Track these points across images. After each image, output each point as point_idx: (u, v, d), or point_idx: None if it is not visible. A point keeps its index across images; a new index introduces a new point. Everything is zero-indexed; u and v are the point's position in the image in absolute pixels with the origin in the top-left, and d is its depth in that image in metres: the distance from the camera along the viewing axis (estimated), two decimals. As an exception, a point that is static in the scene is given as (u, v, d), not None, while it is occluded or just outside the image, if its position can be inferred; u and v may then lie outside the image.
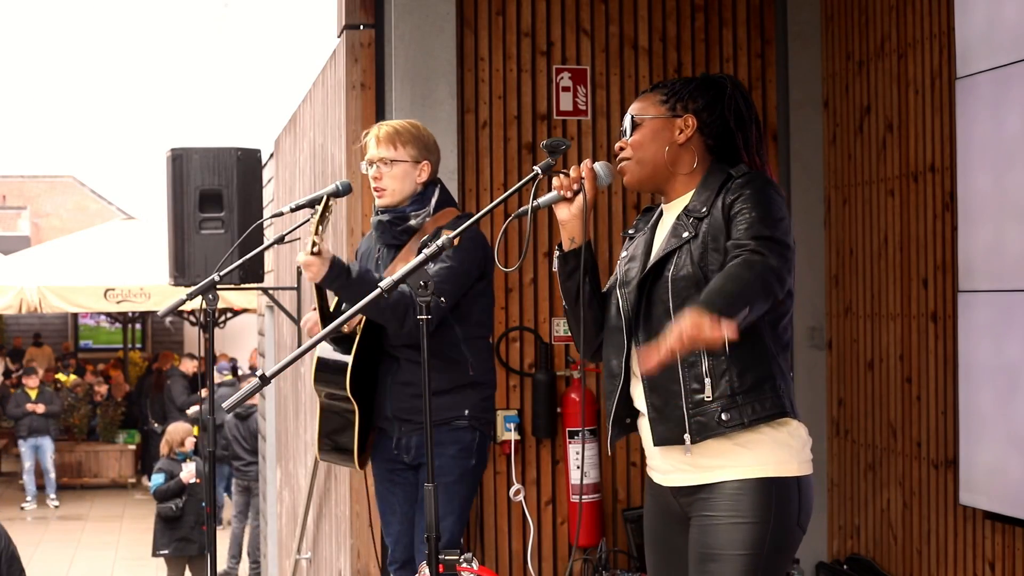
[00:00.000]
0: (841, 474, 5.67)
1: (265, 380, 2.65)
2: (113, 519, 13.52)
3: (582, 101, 5.57)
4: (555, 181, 2.99)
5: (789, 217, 2.83)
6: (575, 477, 5.44)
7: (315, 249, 3.64)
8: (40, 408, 14.32)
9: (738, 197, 2.79)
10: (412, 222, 3.96)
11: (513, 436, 5.42)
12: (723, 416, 2.76)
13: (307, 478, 6.57)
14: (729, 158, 2.94)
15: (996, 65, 4.42)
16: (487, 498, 5.46)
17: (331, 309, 3.98)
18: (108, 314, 18.44)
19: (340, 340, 3.93)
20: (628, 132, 2.98)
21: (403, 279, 2.80)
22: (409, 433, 3.96)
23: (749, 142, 2.94)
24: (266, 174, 7.54)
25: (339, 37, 5.56)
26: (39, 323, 21.50)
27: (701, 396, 2.77)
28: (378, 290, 2.82)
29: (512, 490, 5.44)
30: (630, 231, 3.12)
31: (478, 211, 3.61)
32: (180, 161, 6.19)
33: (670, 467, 2.90)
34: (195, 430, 13.36)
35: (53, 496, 14.27)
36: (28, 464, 14.48)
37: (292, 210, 4.07)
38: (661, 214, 3.03)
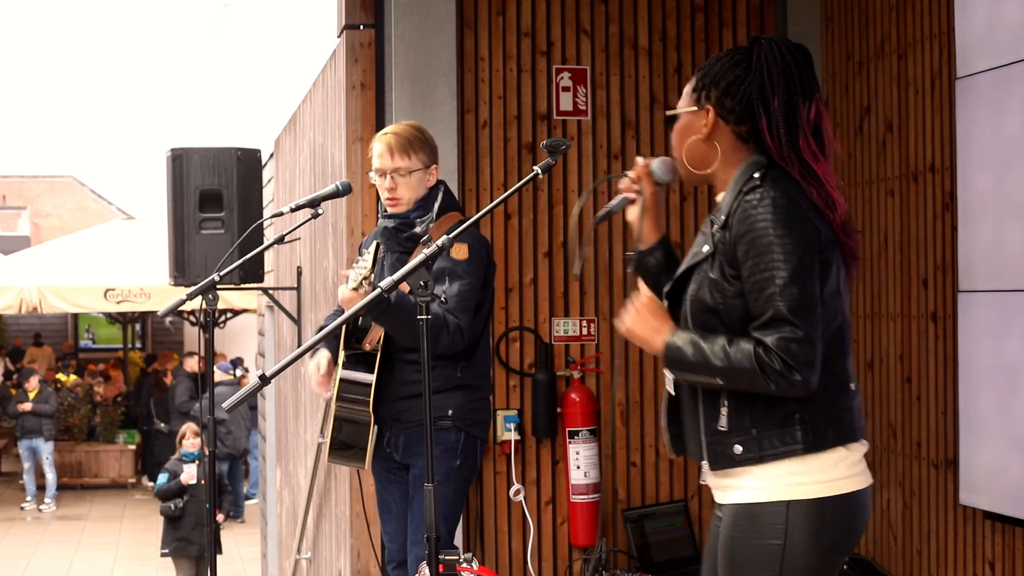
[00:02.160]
0: (841, 474, 5.66)
1: (265, 380, 2.64)
2: (113, 519, 13.51)
3: (582, 101, 5.57)
4: (621, 184, 2.88)
5: (801, 226, 2.55)
6: (575, 477, 5.44)
7: (362, 289, 3.63)
8: (28, 406, 14.31)
9: (743, 233, 2.56)
10: (417, 229, 3.96)
11: (513, 436, 5.42)
12: (736, 448, 2.63)
13: (307, 478, 6.57)
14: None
15: (996, 65, 4.42)
16: (487, 498, 5.46)
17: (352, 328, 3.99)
18: (108, 314, 18.44)
19: (361, 359, 3.94)
20: (670, 127, 2.83)
21: (402, 279, 2.80)
22: (398, 432, 3.98)
23: (773, 123, 2.64)
24: (266, 174, 7.54)
25: (339, 37, 5.56)
26: (39, 323, 21.49)
27: (716, 425, 2.65)
28: (378, 290, 2.81)
29: (512, 490, 5.44)
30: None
31: (478, 212, 3.61)
32: (180, 161, 6.19)
33: (709, 482, 2.79)
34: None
35: (48, 500, 14.23)
36: (28, 464, 14.47)
37: (292, 210, 4.06)
38: None
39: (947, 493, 4.91)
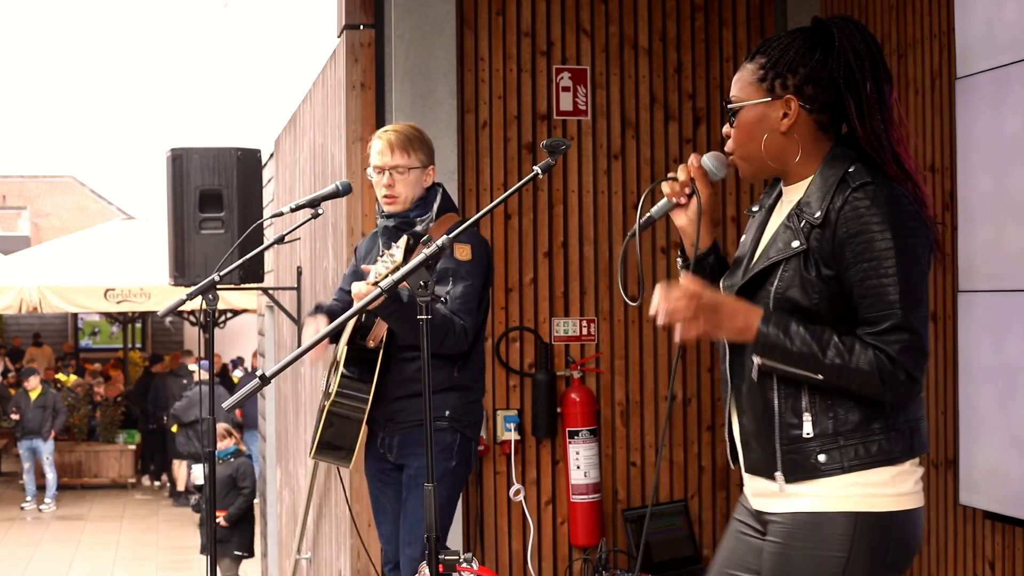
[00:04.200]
0: (841, 474, 5.65)
1: (265, 380, 2.64)
2: (113, 519, 13.51)
3: (582, 101, 5.57)
4: (665, 187, 2.63)
5: (916, 228, 2.43)
6: (575, 477, 5.44)
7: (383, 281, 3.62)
8: (15, 416, 14.38)
9: (855, 234, 2.40)
10: (418, 228, 3.96)
11: (513, 436, 5.42)
12: (820, 458, 2.46)
13: (307, 478, 6.57)
14: (849, 125, 2.53)
15: (996, 65, 4.42)
16: (487, 498, 5.46)
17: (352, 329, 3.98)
18: (108, 314, 18.44)
19: (363, 356, 3.93)
20: (729, 119, 2.59)
21: (403, 278, 2.80)
22: (392, 433, 3.97)
23: (862, 107, 2.47)
24: (266, 174, 7.54)
25: (339, 37, 5.56)
26: (39, 323, 21.50)
27: (798, 432, 2.47)
28: (378, 290, 2.81)
29: (512, 490, 5.44)
30: (754, 208, 2.73)
31: (478, 212, 3.61)
32: (180, 161, 6.19)
33: (757, 490, 2.62)
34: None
35: (48, 500, 14.22)
36: (28, 464, 14.47)
37: (292, 210, 4.07)
38: (781, 194, 2.65)
39: (947, 493, 4.91)
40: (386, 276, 3.52)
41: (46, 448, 14.34)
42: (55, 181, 28.75)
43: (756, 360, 2.47)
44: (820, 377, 2.41)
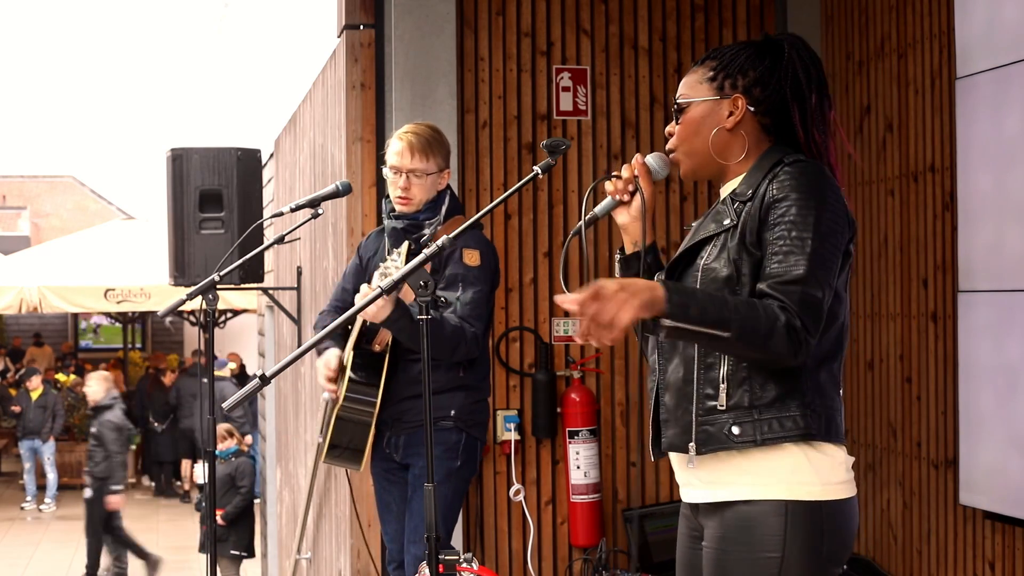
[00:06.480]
0: (841, 474, 5.65)
1: (265, 380, 2.64)
2: (113, 519, 13.50)
3: (582, 101, 5.57)
4: (608, 186, 2.72)
5: (840, 209, 2.52)
6: (575, 477, 5.44)
7: (392, 293, 3.60)
8: (17, 408, 14.37)
9: (781, 199, 2.47)
10: (426, 231, 3.96)
11: (513, 436, 5.42)
12: (734, 429, 2.47)
13: (307, 478, 6.57)
14: (789, 133, 2.63)
15: (996, 65, 4.42)
16: (487, 498, 5.46)
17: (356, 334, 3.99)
18: (108, 314, 18.44)
19: (369, 360, 3.93)
20: (675, 117, 2.68)
21: (403, 279, 2.80)
22: (398, 432, 3.98)
23: (806, 114, 2.60)
24: (266, 174, 7.54)
25: (339, 37, 5.56)
26: (39, 323, 21.50)
27: (714, 404, 2.50)
28: (378, 290, 2.81)
29: (512, 490, 5.44)
30: (693, 224, 2.79)
31: (478, 212, 3.60)
32: (180, 161, 6.19)
33: (683, 479, 2.64)
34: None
35: (48, 500, 14.22)
36: (28, 464, 14.48)
37: (292, 210, 4.07)
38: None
39: (947, 493, 4.91)
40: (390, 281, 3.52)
41: (47, 448, 14.34)
42: (55, 181, 28.76)
43: (666, 322, 2.38)
44: (726, 335, 2.36)
